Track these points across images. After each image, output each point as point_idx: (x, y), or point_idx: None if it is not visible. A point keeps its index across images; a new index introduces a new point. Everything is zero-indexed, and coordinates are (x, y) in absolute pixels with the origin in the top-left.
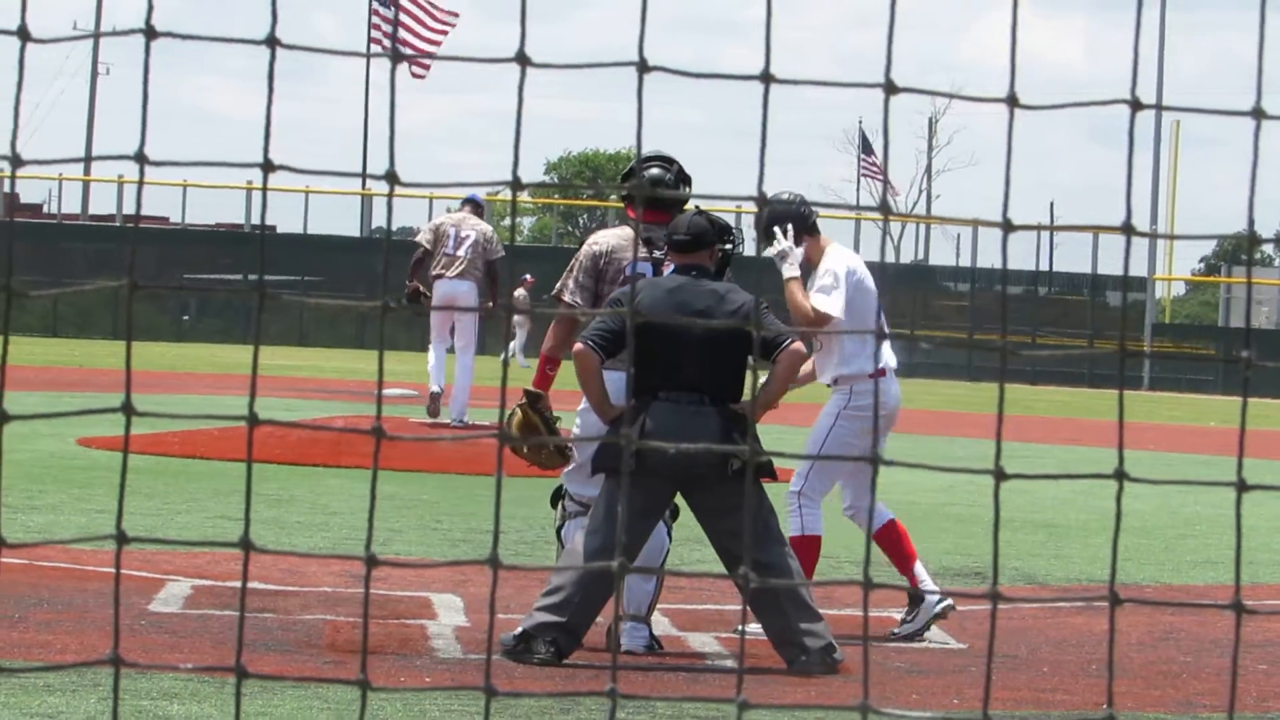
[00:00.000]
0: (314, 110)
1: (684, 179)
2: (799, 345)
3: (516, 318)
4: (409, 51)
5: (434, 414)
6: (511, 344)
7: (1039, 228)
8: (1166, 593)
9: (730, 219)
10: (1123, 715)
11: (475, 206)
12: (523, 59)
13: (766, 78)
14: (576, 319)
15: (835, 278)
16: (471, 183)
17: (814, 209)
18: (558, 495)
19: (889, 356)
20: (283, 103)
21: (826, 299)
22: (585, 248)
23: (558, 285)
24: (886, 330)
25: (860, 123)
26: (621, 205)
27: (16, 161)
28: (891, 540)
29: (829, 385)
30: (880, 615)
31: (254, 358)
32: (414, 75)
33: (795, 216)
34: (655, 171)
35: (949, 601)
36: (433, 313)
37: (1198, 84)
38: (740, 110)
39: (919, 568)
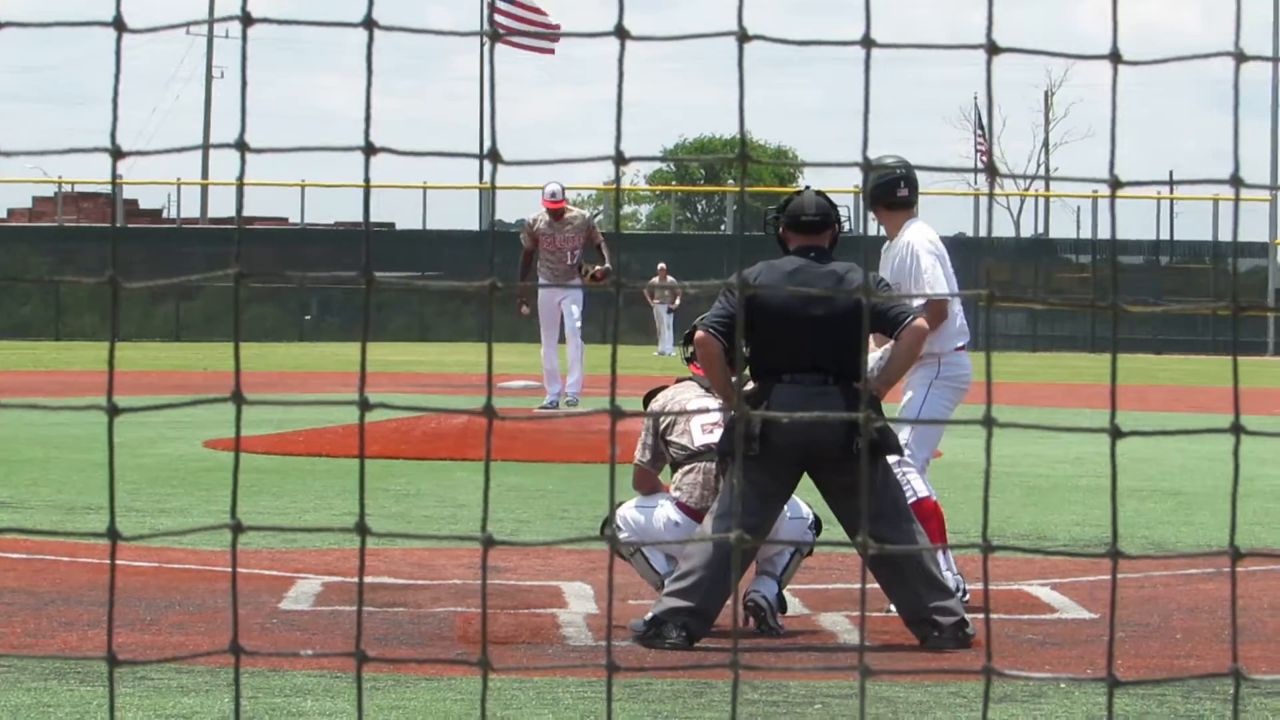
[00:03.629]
0: (432, 108)
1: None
2: (922, 321)
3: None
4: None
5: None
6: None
7: (1146, 183)
8: None
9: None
10: (1256, 678)
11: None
12: (621, 32)
13: (867, 42)
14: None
15: (931, 262)
16: (577, 158)
17: (904, 180)
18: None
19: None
20: (401, 100)
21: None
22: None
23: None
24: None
25: (975, 99)
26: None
27: (117, 153)
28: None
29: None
30: (1005, 589)
31: (363, 340)
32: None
33: (880, 189)
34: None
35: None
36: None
37: None
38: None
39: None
